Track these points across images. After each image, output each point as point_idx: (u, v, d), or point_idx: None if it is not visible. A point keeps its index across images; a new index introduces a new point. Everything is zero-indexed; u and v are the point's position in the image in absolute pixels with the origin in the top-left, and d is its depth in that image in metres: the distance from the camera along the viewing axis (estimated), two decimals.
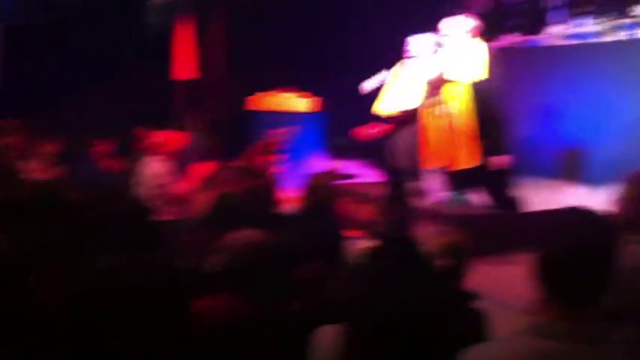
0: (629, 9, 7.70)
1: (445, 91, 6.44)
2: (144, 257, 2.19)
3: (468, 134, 6.26)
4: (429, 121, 6.56)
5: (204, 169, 5.71)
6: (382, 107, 7.06)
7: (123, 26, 9.50)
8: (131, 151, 6.36)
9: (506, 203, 6.32)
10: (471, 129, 6.25)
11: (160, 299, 1.94)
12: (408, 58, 7.06)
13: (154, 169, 5.75)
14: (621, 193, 2.57)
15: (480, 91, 6.24)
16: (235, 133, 10.08)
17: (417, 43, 7.00)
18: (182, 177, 6.01)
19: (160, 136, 5.98)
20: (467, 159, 6.24)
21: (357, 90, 7.17)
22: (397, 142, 6.99)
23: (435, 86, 6.49)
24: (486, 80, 6.24)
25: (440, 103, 6.47)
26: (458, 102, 6.34)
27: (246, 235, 2.50)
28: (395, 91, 7.06)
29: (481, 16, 9.39)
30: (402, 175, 7.16)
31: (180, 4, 9.54)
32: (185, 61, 9.61)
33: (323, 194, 3.46)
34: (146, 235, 2.74)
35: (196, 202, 5.14)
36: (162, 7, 9.67)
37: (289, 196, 3.98)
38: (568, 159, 7.86)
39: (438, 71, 6.48)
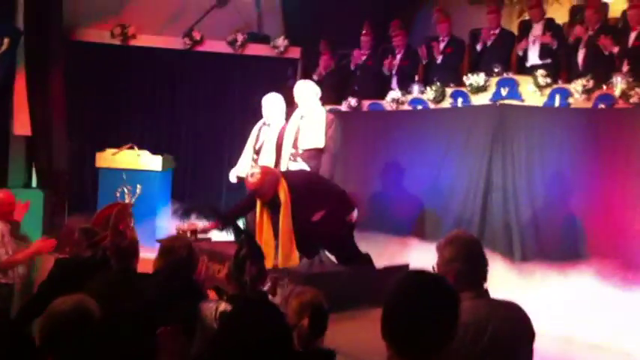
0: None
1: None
2: None
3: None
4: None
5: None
6: (238, 172, 7.28)
7: None
8: None
9: (355, 260, 6.51)
10: None
11: None
12: (265, 121, 7.30)
13: None
14: (444, 255, 2.76)
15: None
16: (82, 191, 9.78)
17: (270, 106, 7.23)
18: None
19: None
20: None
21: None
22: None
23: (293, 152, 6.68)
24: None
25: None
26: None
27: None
28: (250, 156, 7.28)
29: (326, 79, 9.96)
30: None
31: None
32: (20, 116, 9.22)
33: (179, 254, 3.39)
34: None
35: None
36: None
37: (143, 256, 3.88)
38: (417, 217, 8.26)
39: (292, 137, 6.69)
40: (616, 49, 7.32)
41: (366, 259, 6.49)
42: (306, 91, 6.86)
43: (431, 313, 1.78)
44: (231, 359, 1.86)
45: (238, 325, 1.93)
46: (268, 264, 5.12)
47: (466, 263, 2.67)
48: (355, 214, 6.14)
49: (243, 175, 7.43)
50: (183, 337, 2.95)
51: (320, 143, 6.63)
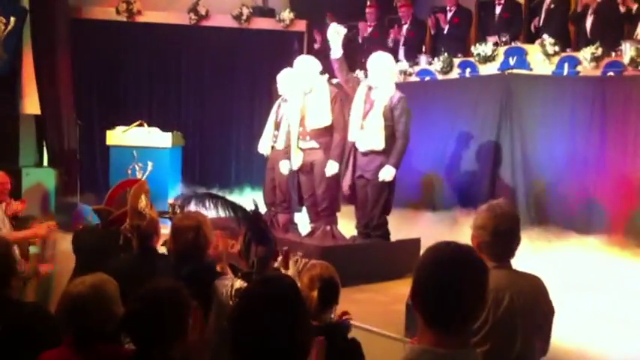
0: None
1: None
2: None
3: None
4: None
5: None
6: (261, 148, 7.35)
7: None
8: None
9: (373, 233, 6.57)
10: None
11: None
12: (282, 97, 7.31)
13: None
14: (476, 220, 2.77)
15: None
16: (92, 169, 9.85)
17: (284, 82, 7.22)
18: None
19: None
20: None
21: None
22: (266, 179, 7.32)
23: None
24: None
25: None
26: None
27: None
28: (271, 131, 7.33)
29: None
30: (269, 208, 7.35)
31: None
32: (29, 95, 9.25)
33: (186, 236, 3.41)
34: None
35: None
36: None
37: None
38: (426, 189, 8.29)
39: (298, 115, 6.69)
40: (635, 6, 7.14)
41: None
42: (308, 67, 6.78)
43: (461, 285, 1.78)
44: (248, 334, 1.90)
45: (254, 301, 1.96)
46: None
47: (492, 236, 2.67)
48: None
49: (263, 151, 7.51)
50: (201, 315, 2.99)
51: (327, 121, 6.61)
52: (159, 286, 2.47)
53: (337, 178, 6.66)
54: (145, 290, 2.47)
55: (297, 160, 6.73)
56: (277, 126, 7.35)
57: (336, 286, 3.16)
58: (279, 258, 3.45)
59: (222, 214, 3.25)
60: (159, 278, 2.57)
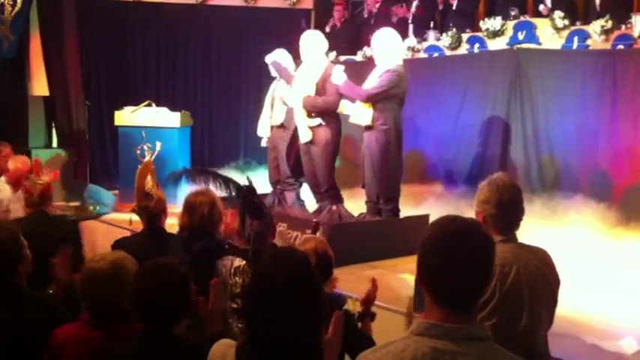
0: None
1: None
2: None
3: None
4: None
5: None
6: (260, 131, 7.33)
7: None
8: None
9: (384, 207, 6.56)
10: None
11: None
12: (277, 78, 7.27)
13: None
14: (479, 195, 2.77)
15: None
16: (102, 150, 9.89)
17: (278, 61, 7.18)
18: None
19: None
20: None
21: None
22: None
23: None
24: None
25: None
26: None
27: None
28: (268, 112, 7.30)
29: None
30: (274, 187, 7.35)
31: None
32: (37, 77, 9.27)
33: (201, 211, 3.42)
34: None
35: None
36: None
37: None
38: (436, 166, 8.28)
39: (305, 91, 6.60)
40: None
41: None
42: (311, 42, 6.69)
43: (467, 260, 1.74)
44: (261, 311, 1.91)
45: (265, 277, 1.95)
46: None
47: (497, 208, 2.67)
48: None
49: (262, 134, 7.48)
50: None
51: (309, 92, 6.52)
52: (157, 263, 2.48)
53: (333, 161, 6.68)
54: (143, 267, 2.48)
55: (305, 135, 6.64)
56: (272, 106, 7.34)
57: (331, 259, 3.21)
58: (277, 234, 3.46)
59: (214, 189, 3.25)
60: (157, 257, 2.56)
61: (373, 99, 6.23)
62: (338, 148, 6.76)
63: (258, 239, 3.12)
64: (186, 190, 3.67)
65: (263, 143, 7.58)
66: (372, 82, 6.30)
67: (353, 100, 6.39)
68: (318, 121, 6.54)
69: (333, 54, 8.87)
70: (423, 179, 8.05)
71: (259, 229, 3.15)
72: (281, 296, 1.89)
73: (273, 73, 7.36)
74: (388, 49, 6.37)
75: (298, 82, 6.69)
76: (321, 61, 6.66)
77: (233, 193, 3.25)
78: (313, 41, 6.69)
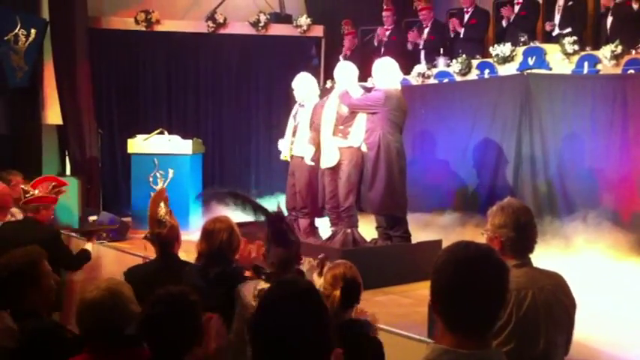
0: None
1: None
2: None
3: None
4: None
5: None
6: (281, 147, 7.34)
7: None
8: None
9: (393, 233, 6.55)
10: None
11: None
12: (299, 102, 7.31)
13: None
14: (494, 220, 2.76)
15: None
16: (114, 177, 9.94)
17: (300, 87, 7.22)
18: None
19: None
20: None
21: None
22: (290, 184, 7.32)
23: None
24: None
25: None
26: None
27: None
28: (290, 137, 7.32)
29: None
30: (290, 213, 7.34)
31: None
32: (50, 106, 9.38)
33: (220, 237, 3.42)
34: None
35: None
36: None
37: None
38: (448, 191, 8.26)
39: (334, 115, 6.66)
40: None
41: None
42: (346, 71, 6.82)
43: (480, 286, 1.73)
44: (267, 335, 1.90)
45: (271, 302, 1.95)
46: None
47: (514, 231, 2.67)
48: None
49: (282, 149, 7.48)
50: (224, 322, 3.00)
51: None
52: (167, 292, 2.48)
53: (358, 182, 6.66)
54: (154, 295, 2.48)
55: (331, 159, 6.67)
56: (294, 132, 7.34)
57: (359, 286, 3.17)
58: (304, 261, 3.44)
59: (243, 213, 3.25)
60: (169, 285, 2.55)
61: (352, 109, 6.54)
62: (362, 172, 6.74)
63: (281, 266, 3.11)
64: (198, 217, 3.69)
65: (282, 157, 7.55)
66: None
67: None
68: (348, 142, 6.61)
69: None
70: (433, 206, 8.02)
71: (283, 256, 3.14)
72: (285, 323, 1.87)
73: (298, 98, 7.38)
74: (386, 76, 6.50)
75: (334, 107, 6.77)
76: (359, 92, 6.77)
77: (261, 218, 3.25)
78: (350, 71, 6.80)
